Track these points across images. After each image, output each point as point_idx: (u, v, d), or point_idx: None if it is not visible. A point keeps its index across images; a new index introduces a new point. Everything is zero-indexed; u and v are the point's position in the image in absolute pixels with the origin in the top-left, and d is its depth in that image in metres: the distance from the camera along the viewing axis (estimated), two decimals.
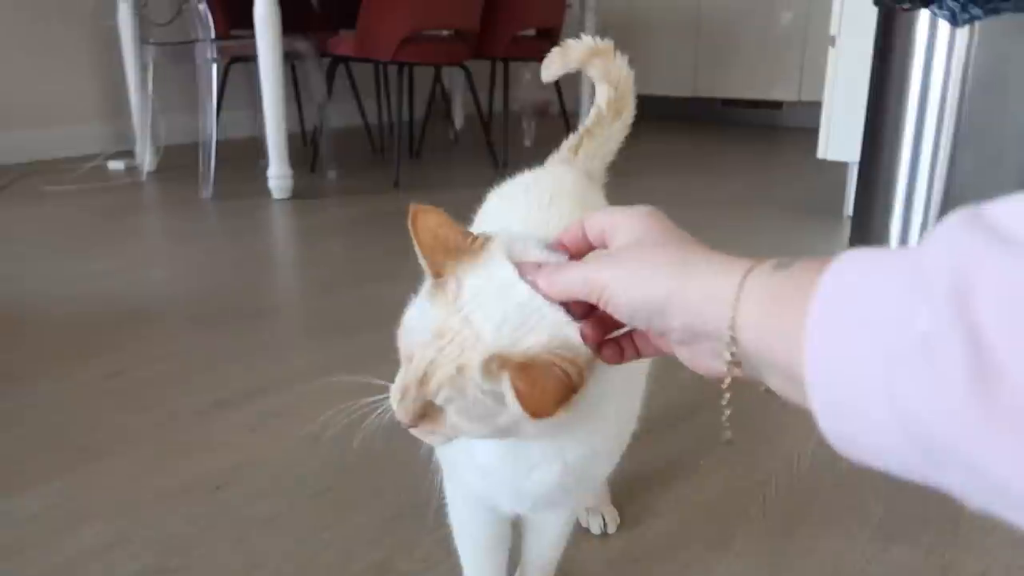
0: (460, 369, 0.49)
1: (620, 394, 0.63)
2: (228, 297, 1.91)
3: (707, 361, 0.44)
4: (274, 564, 0.96)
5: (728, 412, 0.45)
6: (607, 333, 0.50)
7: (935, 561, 0.97)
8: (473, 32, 3.21)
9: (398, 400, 0.53)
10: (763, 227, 2.60)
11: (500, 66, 3.62)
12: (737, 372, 0.42)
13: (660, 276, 0.44)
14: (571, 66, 0.93)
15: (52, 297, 1.89)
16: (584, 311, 0.50)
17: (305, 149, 3.49)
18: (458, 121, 4.42)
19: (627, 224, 0.48)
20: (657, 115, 4.99)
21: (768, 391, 0.42)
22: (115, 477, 1.14)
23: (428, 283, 0.54)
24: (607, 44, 0.92)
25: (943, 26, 1.97)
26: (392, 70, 3.35)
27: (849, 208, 2.49)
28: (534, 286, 0.50)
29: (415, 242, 0.52)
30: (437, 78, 4.05)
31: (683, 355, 0.46)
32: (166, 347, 1.61)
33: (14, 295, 1.92)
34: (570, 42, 0.93)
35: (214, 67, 2.85)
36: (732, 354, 0.41)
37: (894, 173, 2.14)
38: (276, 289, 2.09)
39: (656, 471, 1.15)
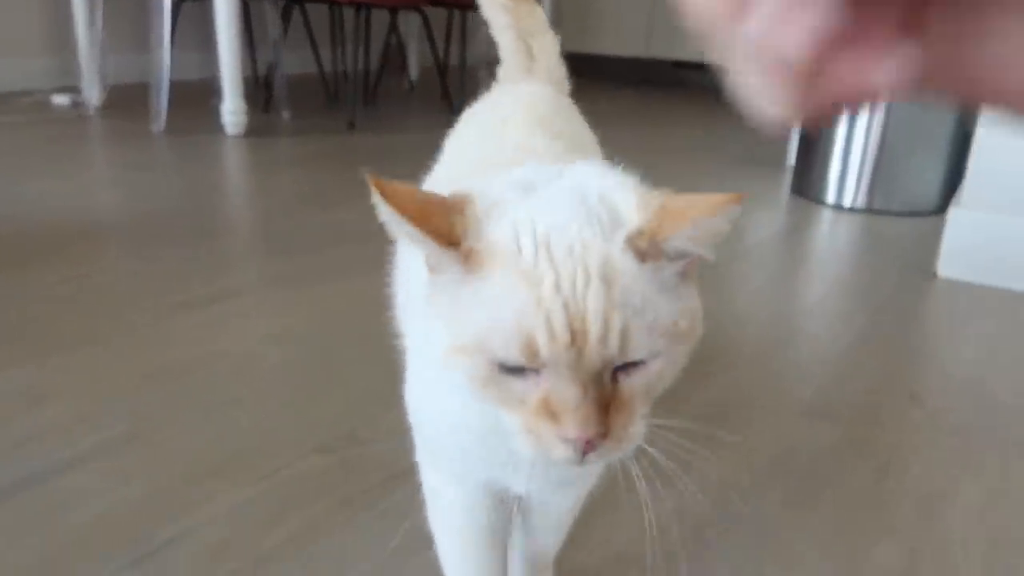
0: (608, 281, 0.38)
1: None
2: (184, 218, 1.91)
3: None
4: (240, 436, 1.00)
5: None
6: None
7: (855, 432, 1.07)
8: None
9: (567, 406, 0.38)
10: (710, 174, 2.69)
11: (457, 17, 3.63)
12: None
13: None
14: None
15: (1, 212, 1.86)
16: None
17: (258, 91, 3.45)
18: (413, 72, 4.40)
19: None
20: (606, 75, 5.05)
21: None
22: (78, 365, 1.16)
23: (441, 277, 0.41)
24: None
25: None
26: (348, 16, 3.33)
27: (791, 159, 2.60)
28: None
29: (398, 217, 0.40)
30: (393, 27, 4.03)
31: None
32: (122, 258, 1.62)
33: None
34: None
35: (167, 2, 2.79)
36: None
37: (833, 126, 2.26)
38: (233, 212, 2.09)
39: None
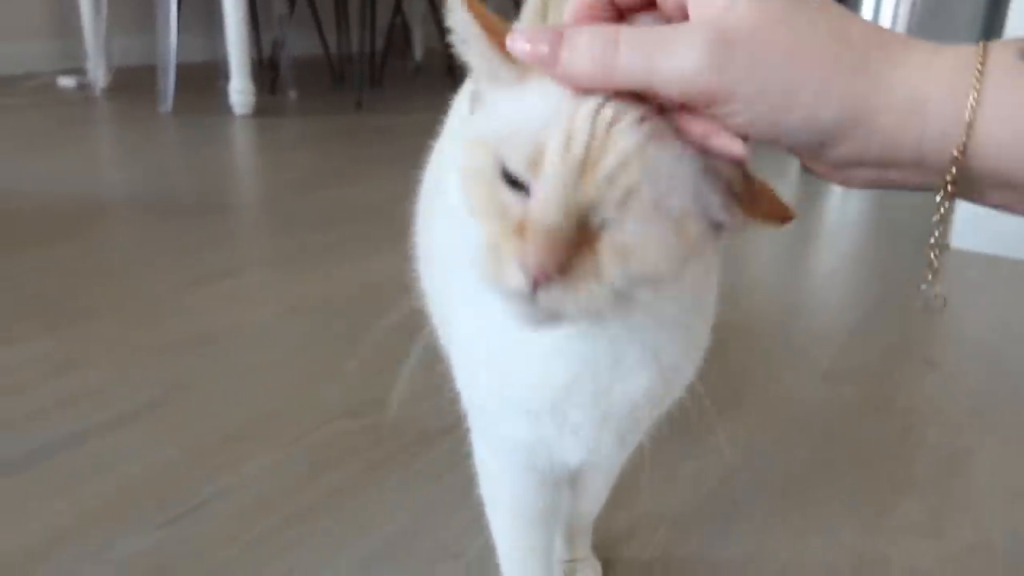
0: (651, 136, 0.35)
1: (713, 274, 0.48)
2: (196, 196, 1.91)
3: (858, 181, 0.36)
4: (267, 401, 1.01)
5: (936, 263, 0.38)
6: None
7: (873, 395, 1.08)
8: None
9: (540, 225, 0.35)
10: None
11: None
12: (946, 201, 0.34)
13: (837, 86, 0.31)
14: None
15: (14, 191, 1.86)
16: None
17: (264, 73, 3.44)
18: (418, 52, 4.39)
19: None
20: None
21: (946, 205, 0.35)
22: (103, 335, 1.17)
23: (492, 80, 0.40)
24: None
25: None
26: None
27: None
28: (566, 74, 0.35)
29: (472, 21, 0.39)
30: (398, 10, 4.01)
31: (818, 170, 0.37)
32: (137, 234, 1.63)
33: None
34: None
35: None
36: (951, 182, 0.33)
37: None
38: (244, 190, 2.10)
39: None
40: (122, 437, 0.92)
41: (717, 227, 0.39)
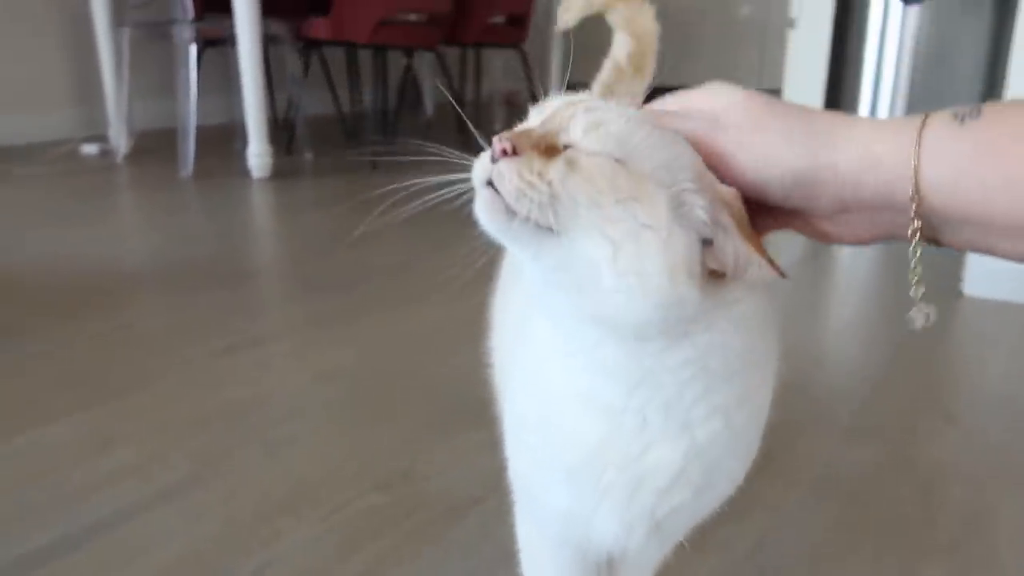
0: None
1: (772, 343, 0.51)
2: (220, 262, 1.96)
3: (859, 231, 0.43)
4: (303, 471, 1.04)
5: (920, 289, 0.44)
6: None
7: (895, 453, 1.09)
8: (446, 17, 3.30)
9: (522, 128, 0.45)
10: None
11: (471, 54, 3.71)
12: (916, 237, 0.40)
13: (798, 146, 0.40)
14: (593, 9, 0.82)
15: (42, 262, 1.92)
16: None
17: (279, 133, 3.53)
18: (429, 109, 4.49)
19: (732, 102, 0.44)
20: None
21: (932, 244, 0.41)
22: (140, 409, 1.20)
23: None
24: None
25: (896, 6, 2.13)
26: (365, 57, 3.42)
27: None
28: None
29: None
30: (408, 68, 4.12)
31: (825, 229, 0.44)
32: (167, 304, 1.67)
33: (2, 262, 1.94)
34: None
35: (193, 48, 2.88)
36: (915, 218, 0.39)
37: None
38: (266, 254, 2.15)
39: None
40: (160, 516, 0.94)
41: (706, 245, 0.42)
